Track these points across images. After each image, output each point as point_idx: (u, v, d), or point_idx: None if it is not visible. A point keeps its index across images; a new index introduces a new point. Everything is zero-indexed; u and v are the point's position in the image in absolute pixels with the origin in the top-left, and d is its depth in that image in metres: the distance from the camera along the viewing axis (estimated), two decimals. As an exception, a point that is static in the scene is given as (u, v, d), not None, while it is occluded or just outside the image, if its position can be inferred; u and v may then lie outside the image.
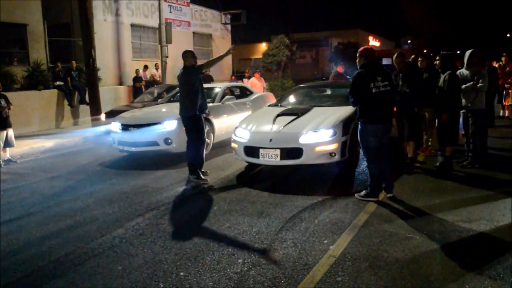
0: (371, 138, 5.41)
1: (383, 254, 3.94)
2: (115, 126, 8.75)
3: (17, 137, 9.43)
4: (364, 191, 5.59)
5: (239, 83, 15.42)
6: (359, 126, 5.55)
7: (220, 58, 7.18)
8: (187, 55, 6.76)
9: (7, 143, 8.75)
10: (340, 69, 12.68)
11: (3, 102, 8.61)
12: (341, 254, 3.97)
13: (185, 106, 6.77)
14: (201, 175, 6.77)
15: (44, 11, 15.11)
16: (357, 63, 5.53)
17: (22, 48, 14.87)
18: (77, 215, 5.42)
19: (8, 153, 8.93)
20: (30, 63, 14.39)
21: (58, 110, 14.29)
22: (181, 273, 3.72)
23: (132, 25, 19.63)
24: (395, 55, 7.28)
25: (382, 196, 5.54)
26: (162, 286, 3.53)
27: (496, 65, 12.97)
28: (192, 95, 6.61)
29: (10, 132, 8.79)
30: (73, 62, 14.85)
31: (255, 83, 14.92)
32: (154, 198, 5.99)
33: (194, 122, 6.72)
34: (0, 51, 14.30)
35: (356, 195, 5.60)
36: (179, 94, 7.20)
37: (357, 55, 5.54)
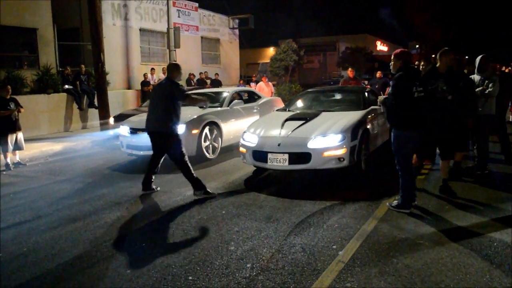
0: (410, 145, 5.18)
1: (393, 260, 3.92)
2: (123, 129, 8.79)
3: (26, 140, 9.50)
4: (395, 201, 5.37)
5: (247, 88, 15.44)
6: (396, 133, 5.20)
7: (199, 101, 6.84)
8: (174, 69, 6.22)
9: (17, 146, 8.82)
10: (351, 73, 12.68)
11: (12, 106, 8.69)
12: (350, 260, 3.95)
13: (161, 121, 6.04)
14: (207, 189, 6.22)
15: (53, 16, 15.26)
16: (393, 66, 5.27)
17: (32, 52, 14.99)
18: (86, 218, 5.44)
19: (18, 156, 9.00)
20: (40, 67, 14.51)
21: (67, 113, 14.39)
22: (190, 277, 3.72)
23: (141, 30, 19.76)
24: (440, 54, 5.92)
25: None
26: (170, 290, 3.53)
27: (506, 70, 12.90)
28: (171, 111, 5.98)
29: (20, 135, 8.85)
30: (82, 66, 14.97)
31: (263, 88, 14.95)
32: (162, 202, 6.00)
33: (171, 139, 6.07)
34: (10, 55, 14.44)
35: (388, 204, 5.41)
36: (150, 105, 6.44)
37: (393, 57, 5.25)
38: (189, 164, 6.16)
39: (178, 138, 6.13)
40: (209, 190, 6.19)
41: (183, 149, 6.15)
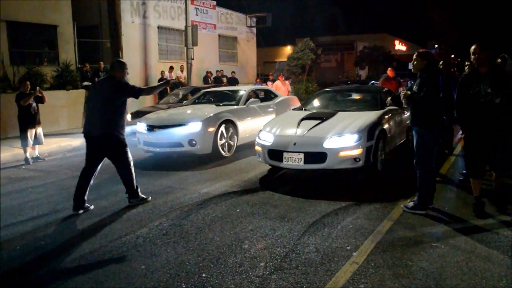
0: (432, 143, 5.10)
1: (407, 263, 3.88)
2: (140, 126, 8.88)
3: (45, 135, 9.64)
4: (411, 202, 5.29)
5: (263, 86, 15.44)
6: (421, 132, 5.09)
7: (159, 87, 6.46)
8: (118, 67, 5.63)
9: (36, 141, 8.95)
10: (391, 73, 12.14)
11: (33, 101, 8.79)
12: (364, 261, 3.93)
13: (102, 124, 5.48)
14: (141, 194, 5.88)
15: (73, 13, 15.50)
16: (415, 65, 5.17)
17: (52, 48, 15.24)
18: (102, 213, 5.50)
19: (37, 150, 9.13)
20: (60, 63, 14.73)
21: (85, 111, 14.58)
22: (203, 275, 3.74)
23: (159, 27, 19.91)
24: (474, 49, 4.98)
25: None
26: (184, 286, 3.55)
27: None
28: (113, 113, 5.48)
29: (39, 129, 8.99)
30: (101, 63, 15.16)
31: (279, 87, 14.92)
32: (178, 199, 6.04)
33: (117, 142, 5.58)
34: (31, 51, 14.68)
35: (402, 206, 5.34)
36: (92, 107, 5.81)
37: (417, 56, 5.15)
38: (133, 173, 5.77)
39: (124, 143, 5.66)
40: (143, 195, 5.89)
41: (130, 156, 5.77)
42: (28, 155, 8.83)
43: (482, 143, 5.00)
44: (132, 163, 5.77)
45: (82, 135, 5.70)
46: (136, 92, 5.64)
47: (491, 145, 5.03)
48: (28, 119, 8.76)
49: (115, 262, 4.07)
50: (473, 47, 4.99)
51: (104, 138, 5.50)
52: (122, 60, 5.92)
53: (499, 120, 4.88)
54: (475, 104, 4.92)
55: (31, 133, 8.76)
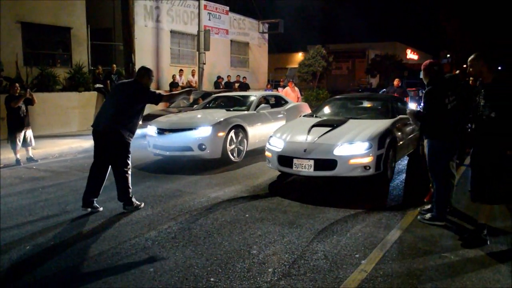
0: (444, 154, 5.04)
1: (416, 272, 3.86)
2: (151, 129, 8.92)
3: (56, 136, 9.72)
4: (429, 214, 5.23)
5: (274, 92, 15.45)
6: (431, 142, 5.06)
7: (180, 95, 6.50)
8: (146, 74, 5.74)
9: (25, 144, 9.00)
10: (397, 82, 12.99)
11: (22, 104, 8.82)
12: (373, 270, 3.91)
13: (114, 120, 5.48)
14: (135, 201, 5.79)
15: (87, 16, 15.65)
16: (424, 77, 5.17)
17: (66, 50, 15.39)
18: (112, 215, 5.53)
19: (30, 151, 9.19)
20: (73, 65, 14.88)
21: (97, 111, 14.67)
22: (212, 279, 3.74)
23: (172, 32, 20.04)
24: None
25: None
26: (192, 290, 3.56)
27: None
28: (127, 115, 5.51)
29: (29, 132, 9.04)
30: (114, 65, 15.29)
31: (289, 93, 14.90)
32: (187, 203, 6.05)
33: (122, 142, 5.53)
34: (44, 52, 14.83)
35: (419, 217, 5.28)
36: (109, 104, 5.80)
37: (422, 69, 5.20)
38: (130, 180, 5.69)
39: (128, 147, 5.61)
40: (137, 202, 5.80)
41: (129, 162, 5.67)
42: (18, 156, 8.89)
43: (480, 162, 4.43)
44: (130, 171, 5.69)
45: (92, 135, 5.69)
46: (157, 99, 5.72)
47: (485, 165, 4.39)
48: (17, 122, 8.79)
49: (124, 264, 4.09)
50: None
51: (110, 133, 5.49)
52: (148, 67, 5.94)
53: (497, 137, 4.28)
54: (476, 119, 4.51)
55: (19, 136, 8.80)
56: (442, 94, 4.97)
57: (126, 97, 5.57)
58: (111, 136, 5.51)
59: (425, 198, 5.92)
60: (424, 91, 5.18)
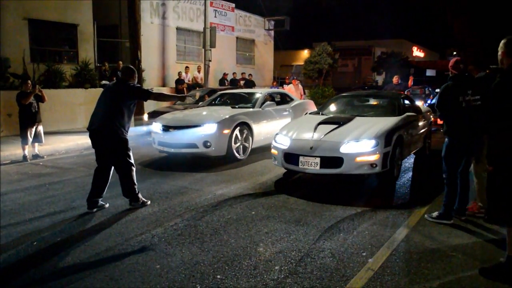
0: (455, 153, 5.02)
1: (424, 271, 3.83)
2: (156, 126, 8.92)
3: (63, 132, 9.75)
4: (436, 212, 5.20)
5: (280, 90, 15.42)
6: (446, 140, 5.11)
7: (172, 97, 6.56)
8: (132, 73, 5.82)
9: (36, 139, 9.08)
10: (395, 79, 12.97)
11: (33, 99, 8.89)
12: (380, 268, 3.89)
13: (106, 118, 5.53)
14: (142, 198, 5.81)
15: (94, 13, 15.67)
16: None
17: (72, 47, 15.44)
18: (118, 211, 5.54)
19: (36, 148, 9.22)
20: (79, 62, 14.90)
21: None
22: (218, 276, 3.74)
23: (178, 28, 20.05)
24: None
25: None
26: (199, 287, 3.56)
27: None
28: (119, 111, 5.55)
29: (40, 128, 9.12)
30: (120, 62, 15.28)
31: (293, 90, 14.86)
32: (193, 200, 6.05)
33: (117, 139, 5.57)
34: (51, 49, 14.88)
35: (426, 216, 5.25)
36: (100, 104, 5.77)
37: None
38: (134, 176, 5.71)
39: (126, 142, 5.66)
40: (144, 199, 5.83)
41: (131, 160, 5.69)
42: (26, 152, 8.93)
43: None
44: (134, 168, 5.70)
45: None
46: (145, 95, 5.76)
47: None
48: (28, 118, 8.87)
49: (130, 260, 4.09)
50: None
51: (104, 131, 5.53)
52: (131, 66, 6.09)
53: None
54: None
55: (30, 132, 8.87)
56: (457, 92, 4.92)
57: (115, 95, 5.64)
58: (105, 133, 5.54)
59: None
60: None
